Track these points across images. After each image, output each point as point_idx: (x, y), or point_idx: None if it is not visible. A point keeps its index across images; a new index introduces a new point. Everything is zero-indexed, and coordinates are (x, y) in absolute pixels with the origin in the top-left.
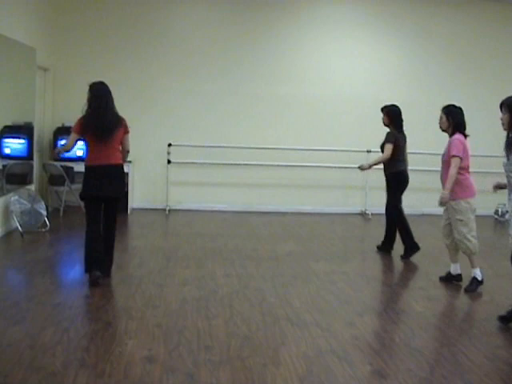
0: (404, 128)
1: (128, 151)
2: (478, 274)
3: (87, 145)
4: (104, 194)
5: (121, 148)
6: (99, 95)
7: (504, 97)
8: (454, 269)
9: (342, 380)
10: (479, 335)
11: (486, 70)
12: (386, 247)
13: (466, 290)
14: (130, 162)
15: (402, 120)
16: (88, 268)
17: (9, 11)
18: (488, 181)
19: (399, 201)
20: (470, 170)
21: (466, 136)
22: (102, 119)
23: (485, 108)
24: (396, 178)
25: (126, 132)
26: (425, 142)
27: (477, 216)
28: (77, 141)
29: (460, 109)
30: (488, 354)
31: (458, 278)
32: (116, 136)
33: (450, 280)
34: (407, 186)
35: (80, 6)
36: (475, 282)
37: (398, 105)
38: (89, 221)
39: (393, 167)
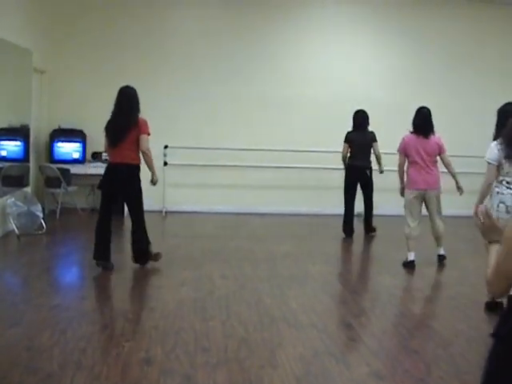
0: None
1: (144, 151)
2: (407, 257)
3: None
4: (112, 189)
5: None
6: (118, 100)
7: (504, 98)
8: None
9: (339, 381)
10: (476, 336)
11: (483, 71)
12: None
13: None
14: None
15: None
16: (94, 255)
17: (5, 13)
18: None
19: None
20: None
21: (424, 135)
22: (113, 123)
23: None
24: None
25: (142, 133)
26: None
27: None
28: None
29: (417, 111)
30: (485, 355)
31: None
32: (128, 138)
33: None
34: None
35: (76, 9)
36: (405, 263)
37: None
38: (99, 211)
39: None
